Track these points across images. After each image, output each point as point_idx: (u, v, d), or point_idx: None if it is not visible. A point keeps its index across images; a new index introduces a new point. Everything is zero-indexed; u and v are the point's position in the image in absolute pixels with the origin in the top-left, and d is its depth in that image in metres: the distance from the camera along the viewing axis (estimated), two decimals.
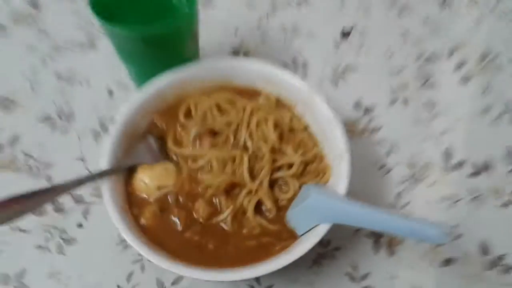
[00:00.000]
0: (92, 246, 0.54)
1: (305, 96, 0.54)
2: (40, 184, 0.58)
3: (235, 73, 0.56)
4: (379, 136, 0.62)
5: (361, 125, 0.64)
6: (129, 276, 0.52)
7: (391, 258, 0.54)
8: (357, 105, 0.65)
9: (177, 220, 0.49)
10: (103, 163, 0.49)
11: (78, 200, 0.57)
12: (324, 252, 0.54)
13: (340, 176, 0.49)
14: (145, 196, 0.50)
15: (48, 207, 0.56)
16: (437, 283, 0.52)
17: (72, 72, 0.67)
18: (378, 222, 0.43)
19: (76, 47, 0.69)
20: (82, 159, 0.60)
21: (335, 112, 0.52)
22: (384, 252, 0.54)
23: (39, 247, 0.54)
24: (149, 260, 0.43)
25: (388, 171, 0.59)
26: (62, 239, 0.54)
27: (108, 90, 0.66)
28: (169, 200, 0.50)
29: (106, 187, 0.47)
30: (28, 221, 0.55)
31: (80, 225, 0.55)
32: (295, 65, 0.68)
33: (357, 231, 0.56)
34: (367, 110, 0.64)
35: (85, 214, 0.56)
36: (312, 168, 0.53)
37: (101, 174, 0.48)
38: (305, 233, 0.48)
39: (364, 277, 0.53)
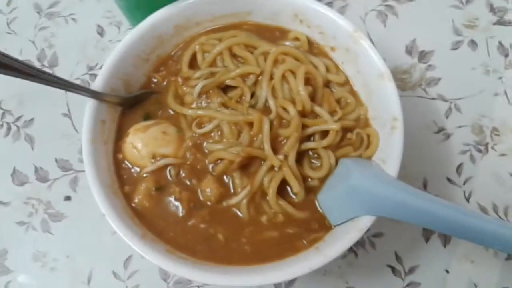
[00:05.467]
0: (82, 223, 0.46)
1: (347, 39, 0.43)
2: (21, 146, 0.49)
3: (255, 5, 0.45)
4: (437, 90, 0.52)
5: (414, 75, 0.52)
6: (127, 261, 0.44)
7: (446, 248, 0.46)
8: (410, 48, 0.54)
9: (178, 203, 0.38)
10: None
11: (65, 168, 0.48)
12: (362, 239, 0.45)
13: (390, 150, 0.39)
14: (138, 168, 0.40)
15: (30, 176, 0.47)
16: (501, 278, 0.44)
17: (55, 4, 0.55)
18: (446, 222, 0.33)
19: None
20: (69, 116, 0.50)
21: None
22: (437, 240, 0.46)
23: (21, 223, 0.46)
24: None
25: (447, 136, 0.50)
26: (47, 214, 0.46)
27: (98, 28, 0.54)
28: (168, 175, 0.39)
29: (89, 160, 0.38)
30: (7, 192, 0.47)
31: (68, 198, 0.47)
32: None
33: None
34: (423, 56, 0.54)
35: (74, 184, 0.47)
36: (353, 136, 0.42)
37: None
38: (340, 223, 0.38)
39: (411, 270, 0.45)
